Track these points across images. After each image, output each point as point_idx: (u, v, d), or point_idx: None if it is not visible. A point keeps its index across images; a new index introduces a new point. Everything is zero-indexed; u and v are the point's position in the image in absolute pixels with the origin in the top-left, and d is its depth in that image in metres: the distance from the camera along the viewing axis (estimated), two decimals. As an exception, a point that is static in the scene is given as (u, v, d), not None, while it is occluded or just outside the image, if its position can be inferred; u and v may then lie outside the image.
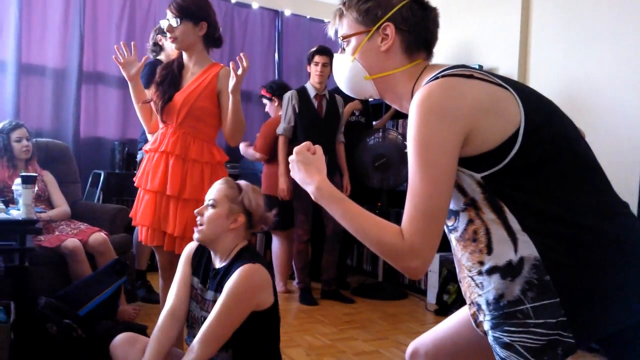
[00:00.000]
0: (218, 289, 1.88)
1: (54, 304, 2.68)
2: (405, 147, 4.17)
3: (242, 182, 2.05)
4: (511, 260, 1.09)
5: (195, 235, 1.94)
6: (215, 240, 1.95)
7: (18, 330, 2.52)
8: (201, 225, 1.93)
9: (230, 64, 2.31)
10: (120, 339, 1.98)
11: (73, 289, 2.88)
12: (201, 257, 2.03)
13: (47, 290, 2.87)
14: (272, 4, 5.44)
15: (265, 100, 4.51)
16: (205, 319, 1.87)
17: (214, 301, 1.87)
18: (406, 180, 4.10)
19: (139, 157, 3.79)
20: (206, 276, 1.99)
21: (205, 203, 1.98)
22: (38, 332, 2.57)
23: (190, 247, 2.07)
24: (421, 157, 1.09)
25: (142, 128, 3.76)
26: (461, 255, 1.20)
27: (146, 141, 3.74)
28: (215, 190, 1.99)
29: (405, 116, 1.35)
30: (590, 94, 3.74)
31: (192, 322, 1.98)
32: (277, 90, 4.41)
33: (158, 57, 3.74)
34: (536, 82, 4.12)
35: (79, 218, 3.50)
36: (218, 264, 1.97)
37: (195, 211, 1.98)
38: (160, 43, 3.73)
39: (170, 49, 3.61)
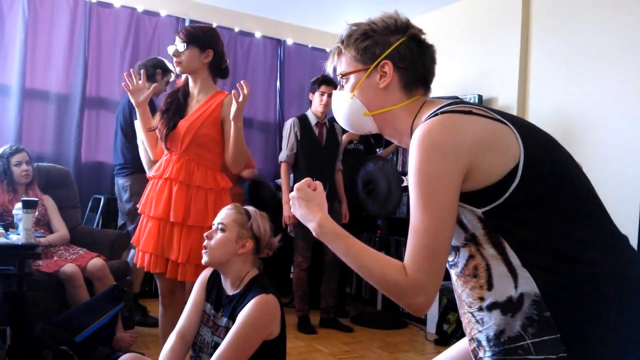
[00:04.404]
0: (232, 316, 1.91)
1: (51, 329, 2.66)
2: (395, 175, 4.19)
3: (250, 208, 2.08)
4: (511, 296, 1.09)
5: (204, 258, 1.98)
6: (224, 263, 1.98)
7: (14, 356, 2.50)
8: (209, 247, 1.96)
9: (233, 92, 2.33)
10: (125, 359, 2.00)
11: (70, 314, 2.86)
12: (214, 284, 2.06)
13: (44, 315, 2.85)
14: (274, 33, 5.51)
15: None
16: (216, 343, 1.90)
17: (227, 328, 1.90)
18: (401, 206, 4.09)
19: (126, 182, 3.80)
20: (219, 302, 2.02)
21: (214, 227, 2.01)
22: (34, 358, 2.55)
23: (205, 273, 2.11)
24: (423, 193, 1.10)
25: (122, 153, 3.84)
26: (461, 291, 1.20)
27: (123, 167, 3.81)
28: (225, 214, 2.02)
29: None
30: (588, 125, 3.77)
31: (201, 346, 2.00)
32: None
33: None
34: (535, 113, 4.15)
35: (78, 243, 3.49)
36: (230, 290, 2.00)
37: (205, 234, 2.01)
38: (157, 77, 3.74)
39: (158, 84, 3.68)
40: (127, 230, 3.83)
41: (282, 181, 3.99)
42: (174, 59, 2.46)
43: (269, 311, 1.88)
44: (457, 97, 3.92)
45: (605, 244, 1.12)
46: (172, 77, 3.85)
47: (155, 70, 3.73)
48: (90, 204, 4.36)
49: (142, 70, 2.56)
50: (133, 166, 3.74)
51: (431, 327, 4.01)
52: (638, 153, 3.44)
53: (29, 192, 3.39)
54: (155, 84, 3.65)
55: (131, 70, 2.49)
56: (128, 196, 3.78)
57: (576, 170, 1.19)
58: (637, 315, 1.08)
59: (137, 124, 3.42)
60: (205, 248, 1.98)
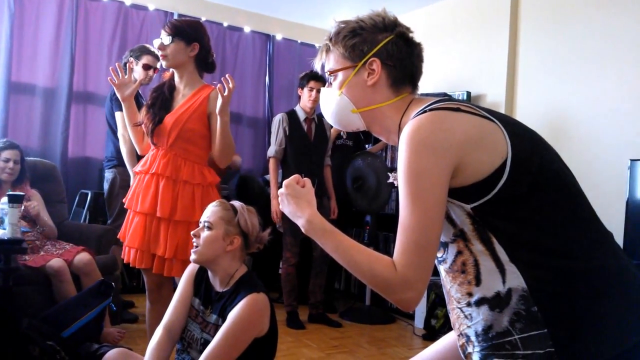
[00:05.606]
0: (221, 314, 1.90)
1: (37, 325, 2.64)
2: (385, 171, 4.20)
3: (236, 203, 2.06)
4: (499, 292, 1.10)
5: (192, 257, 1.96)
6: (212, 261, 1.96)
7: (0, 352, 2.48)
8: (197, 246, 1.95)
9: (218, 86, 2.32)
10: (113, 354, 1.99)
11: (57, 310, 2.84)
12: (202, 279, 2.05)
13: (31, 310, 2.83)
14: (263, 28, 5.49)
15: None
16: (205, 340, 1.90)
17: (217, 325, 1.90)
18: (390, 202, 4.12)
19: (109, 176, 3.77)
20: (207, 298, 2.00)
21: (201, 225, 1.99)
22: (20, 353, 2.53)
23: (192, 267, 2.08)
24: (412, 189, 1.10)
25: (109, 146, 3.78)
26: (450, 287, 1.21)
27: (108, 160, 3.77)
28: (210, 212, 2.00)
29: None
30: (575, 122, 3.81)
31: (189, 342, 1.99)
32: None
33: None
34: (523, 110, 4.18)
35: (65, 238, 3.46)
36: (219, 287, 1.99)
37: (192, 232, 1.99)
38: (131, 66, 3.68)
39: (138, 74, 3.60)
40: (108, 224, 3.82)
41: (271, 177, 3.99)
42: (160, 53, 2.45)
43: (259, 310, 1.88)
44: (445, 94, 3.94)
45: (591, 240, 1.14)
46: (157, 64, 3.79)
47: (129, 59, 3.67)
48: (77, 199, 4.33)
49: (127, 65, 2.55)
50: (115, 159, 3.73)
51: (419, 322, 4.03)
52: (624, 150, 3.47)
53: (16, 190, 3.34)
54: (141, 78, 3.63)
55: (117, 64, 2.47)
56: (108, 189, 3.77)
57: (562, 166, 1.20)
58: (622, 310, 1.09)
59: (118, 116, 3.38)
60: (195, 246, 1.96)
